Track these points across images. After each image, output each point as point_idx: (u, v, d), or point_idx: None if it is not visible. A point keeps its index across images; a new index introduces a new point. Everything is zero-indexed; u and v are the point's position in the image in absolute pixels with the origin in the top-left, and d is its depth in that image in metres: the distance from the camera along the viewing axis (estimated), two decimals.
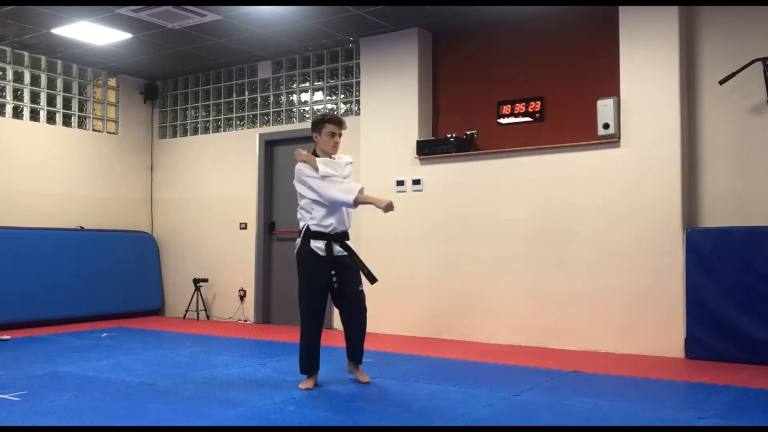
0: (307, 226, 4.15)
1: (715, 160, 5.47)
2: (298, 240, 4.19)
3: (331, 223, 4.14)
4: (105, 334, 6.59)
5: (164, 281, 8.67)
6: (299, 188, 4.20)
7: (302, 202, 4.22)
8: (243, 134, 8.08)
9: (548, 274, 5.90)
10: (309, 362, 4.18)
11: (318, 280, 4.13)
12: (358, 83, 7.21)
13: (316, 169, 4.12)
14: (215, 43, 7.18)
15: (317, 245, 4.12)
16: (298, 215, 4.25)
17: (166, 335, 6.68)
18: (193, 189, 8.49)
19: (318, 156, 4.25)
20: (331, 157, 4.26)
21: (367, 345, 5.96)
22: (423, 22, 6.55)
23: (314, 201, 4.12)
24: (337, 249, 4.16)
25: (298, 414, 3.47)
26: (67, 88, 8.00)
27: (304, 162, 4.20)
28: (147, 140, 8.86)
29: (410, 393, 3.99)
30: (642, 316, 5.45)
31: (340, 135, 4.27)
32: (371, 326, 6.85)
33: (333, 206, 4.13)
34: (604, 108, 5.62)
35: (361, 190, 4.10)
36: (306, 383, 4.15)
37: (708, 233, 5.25)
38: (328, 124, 4.23)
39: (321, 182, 4.09)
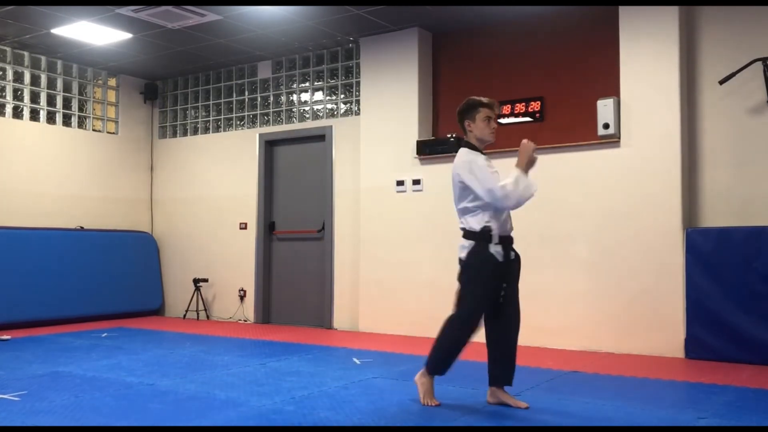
0: (487, 227, 3.60)
1: (715, 160, 5.46)
2: (469, 244, 3.62)
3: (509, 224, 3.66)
4: (105, 334, 6.59)
5: (164, 281, 8.66)
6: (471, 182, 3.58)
7: (471, 203, 3.63)
8: (243, 134, 8.08)
9: (548, 274, 5.90)
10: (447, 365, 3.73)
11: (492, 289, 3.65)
12: (358, 83, 7.21)
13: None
14: (215, 43, 7.18)
15: (497, 250, 3.61)
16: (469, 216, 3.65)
17: (166, 335, 6.68)
18: (193, 189, 8.49)
19: (472, 146, 3.69)
20: (484, 151, 3.71)
21: (367, 345, 6.00)
22: (423, 22, 6.55)
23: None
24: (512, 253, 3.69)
25: (298, 414, 3.47)
26: (67, 88, 8.00)
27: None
28: (147, 140, 8.86)
29: (410, 393, 3.98)
30: (642, 316, 5.45)
31: (496, 120, 3.73)
32: (370, 326, 6.90)
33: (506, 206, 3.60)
34: (604, 108, 5.62)
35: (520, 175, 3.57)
36: (429, 382, 3.73)
37: (708, 233, 5.25)
38: (483, 108, 3.66)
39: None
